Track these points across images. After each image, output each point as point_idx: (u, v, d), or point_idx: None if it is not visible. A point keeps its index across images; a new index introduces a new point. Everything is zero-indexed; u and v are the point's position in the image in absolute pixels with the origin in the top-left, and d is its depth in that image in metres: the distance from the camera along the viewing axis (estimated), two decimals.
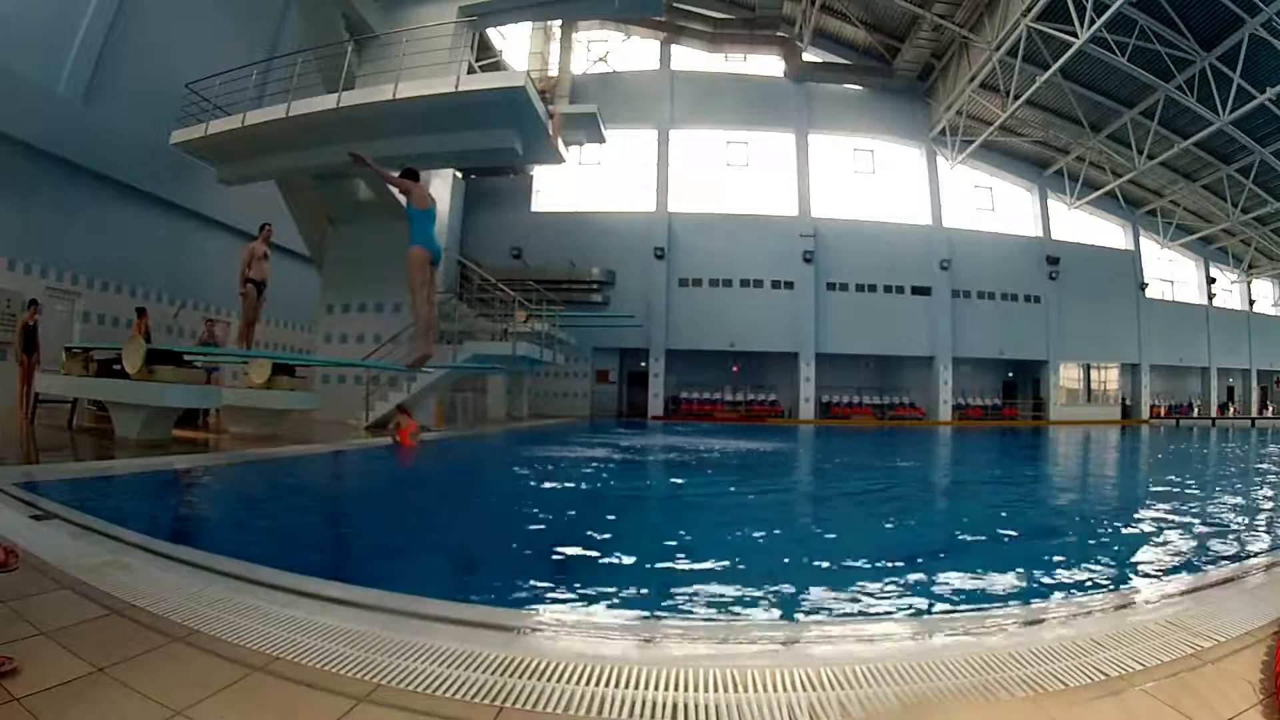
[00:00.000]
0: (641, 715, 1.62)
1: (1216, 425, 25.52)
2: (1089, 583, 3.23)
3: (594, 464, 9.20)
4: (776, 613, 2.76)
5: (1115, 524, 5.26)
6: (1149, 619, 2.30)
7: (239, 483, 6.03)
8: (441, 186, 14.99)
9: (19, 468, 5.27)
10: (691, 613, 2.73)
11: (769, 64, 25.85)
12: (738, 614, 2.69)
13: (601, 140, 15.52)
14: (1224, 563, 3.54)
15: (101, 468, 5.63)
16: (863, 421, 24.03)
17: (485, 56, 16.33)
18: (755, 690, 1.72)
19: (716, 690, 1.72)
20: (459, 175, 21.45)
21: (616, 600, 2.87)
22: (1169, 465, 11.04)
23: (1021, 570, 3.46)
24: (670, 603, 2.88)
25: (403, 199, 5.56)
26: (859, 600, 2.94)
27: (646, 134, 25.02)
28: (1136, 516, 5.56)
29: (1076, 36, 16.30)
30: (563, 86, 24.27)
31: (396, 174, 5.39)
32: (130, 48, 12.56)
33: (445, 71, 10.48)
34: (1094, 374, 27.46)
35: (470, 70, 11.29)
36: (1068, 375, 26.62)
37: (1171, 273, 29.07)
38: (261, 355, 9.72)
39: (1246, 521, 5.21)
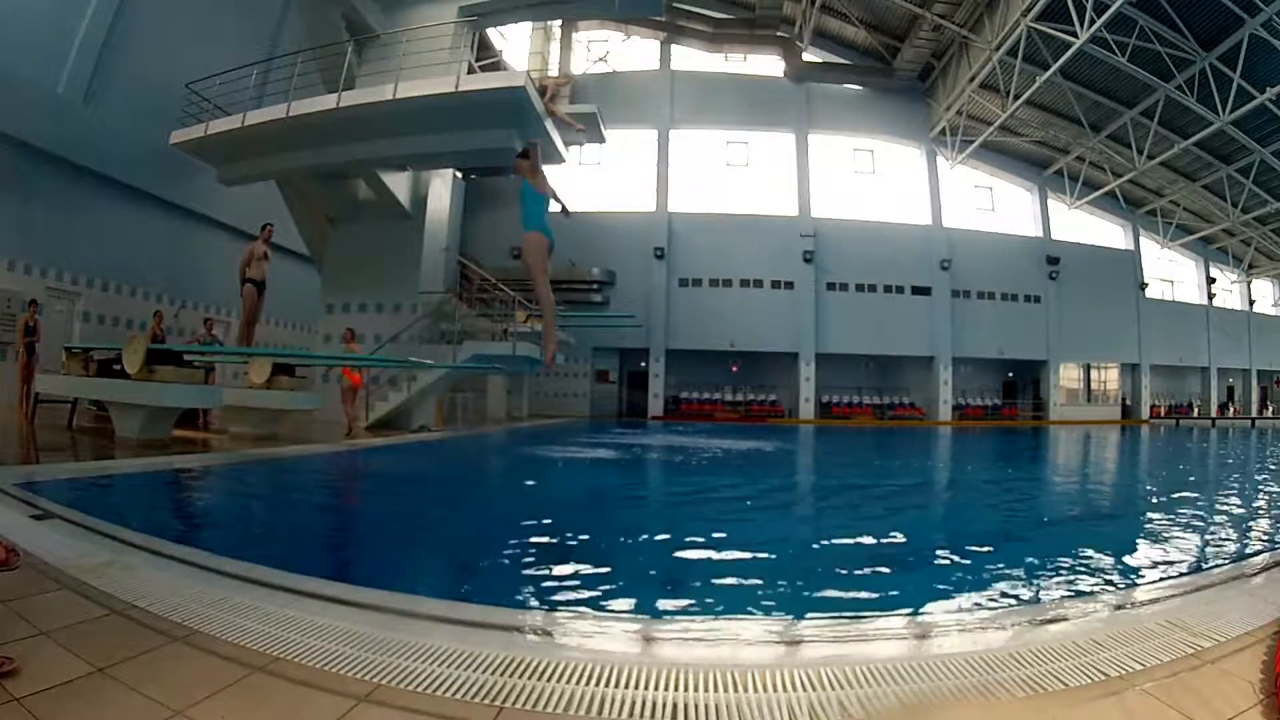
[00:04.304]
0: (641, 715, 1.62)
1: (1216, 425, 25.50)
2: (1089, 582, 3.22)
3: (594, 464, 9.21)
4: (777, 613, 2.76)
5: (1115, 523, 5.27)
6: (1149, 619, 2.30)
7: (239, 483, 6.03)
8: (441, 186, 14.96)
9: (19, 468, 5.27)
10: (692, 613, 2.73)
11: (769, 64, 25.82)
12: (738, 614, 2.68)
13: (601, 140, 15.53)
14: (1224, 563, 3.54)
15: (101, 468, 5.62)
16: (863, 421, 24.02)
17: (485, 56, 16.32)
18: (755, 690, 1.72)
19: (716, 690, 1.72)
20: (459, 175, 21.40)
21: (617, 600, 2.87)
22: (1169, 465, 11.03)
23: (1021, 570, 3.47)
24: (670, 602, 2.88)
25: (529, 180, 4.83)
26: (859, 600, 2.94)
27: (646, 134, 24.98)
28: (1136, 516, 5.56)
29: (1076, 36, 16.29)
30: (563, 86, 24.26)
31: (526, 161, 4.84)
32: (130, 48, 12.55)
33: (445, 71, 10.50)
34: (1094, 374, 27.43)
35: (470, 70, 11.31)
36: (1068, 375, 26.59)
37: (1171, 273, 29.03)
38: (262, 353, 9.71)
39: (1246, 521, 5.21)
